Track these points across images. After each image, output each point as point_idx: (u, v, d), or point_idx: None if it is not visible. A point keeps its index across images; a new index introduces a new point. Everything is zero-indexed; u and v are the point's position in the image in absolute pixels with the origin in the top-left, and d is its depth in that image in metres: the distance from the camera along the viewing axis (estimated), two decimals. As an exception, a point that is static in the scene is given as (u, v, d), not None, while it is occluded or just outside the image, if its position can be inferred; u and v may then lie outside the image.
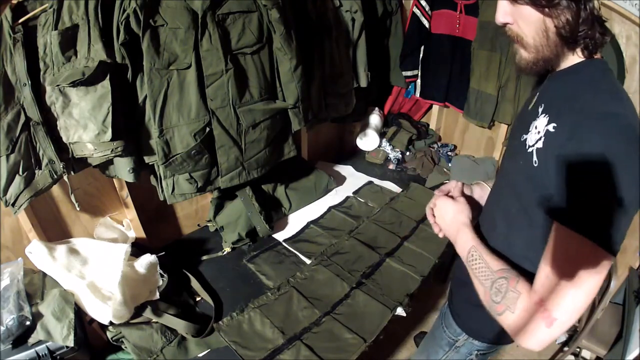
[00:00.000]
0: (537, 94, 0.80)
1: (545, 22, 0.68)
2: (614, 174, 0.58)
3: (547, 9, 0.66)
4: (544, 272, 0.64)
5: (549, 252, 0.64)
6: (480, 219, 1.00)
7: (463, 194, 0.99)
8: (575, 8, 0.66)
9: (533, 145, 0.71)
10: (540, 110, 0.74)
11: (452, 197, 0.96)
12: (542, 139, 0.68)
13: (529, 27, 0.70)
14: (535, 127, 0.72)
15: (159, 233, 1.64)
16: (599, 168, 0.59)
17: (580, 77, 0.71)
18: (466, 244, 0.82)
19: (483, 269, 0.76)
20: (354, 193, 1.98)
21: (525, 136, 0.75)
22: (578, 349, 1.83)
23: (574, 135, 0.62)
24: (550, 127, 0.67)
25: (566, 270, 0.60)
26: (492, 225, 0.88)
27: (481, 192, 1.04)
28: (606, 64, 0.72)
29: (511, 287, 0.69)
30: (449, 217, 0.91)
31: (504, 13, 0.72)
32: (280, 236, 1.68)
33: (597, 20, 0.68)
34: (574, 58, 0.72)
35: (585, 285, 0.59)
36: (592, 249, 0.59)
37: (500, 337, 0.96)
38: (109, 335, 1.19)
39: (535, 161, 0.69)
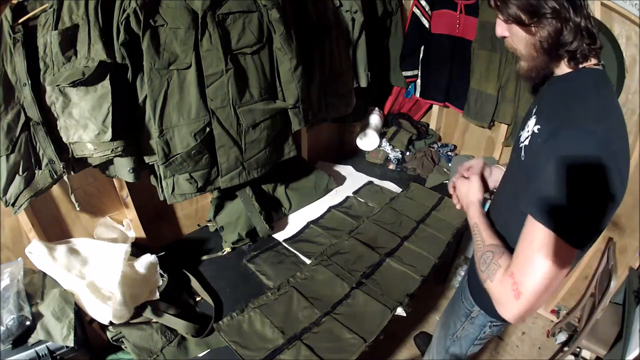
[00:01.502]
0: (538, 94, 0.89)
1: (529, 37, 0.78)
2: (577, 176, 0.65)
3: (529, 27, 0.75)
4: (517, 250, 0.73)
5: (523, 235, 0.73)
6: (491, 204, 1.10)
7: (482, 175, 1.10)
8: (556, 24, 0.72)
9: (523, 142, 0.81)
10: (533, 111, 0.83)
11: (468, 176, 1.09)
12: (529, 137, 0.78)
13: (519, 41, 0.80)
14: (527, 126, 0.81)
15: (159, 233, 1.64)
16: (563, 171, 0.66)
17: (571, 86, 0.77)
18: (472, 219, 0.96)
19: (479, 242, 0.88)
20: (354, 193, 1.98)
21: (521, 133, 0.85)
22: (578, 349, 1.83)
23: (549, 140, 0.71)
24: (536, 129, 0.77)
25: (532, 254, 0.69)
26: (498, 211, 0.98)
27: (498, 176, 1.13)
28: (601, 73, 0.77)
29: (494, 260, 0.79)
30: (463, 193, 1.06)
31: (501, 28, 0.83)
32: (280, 236, 1.68)
33: (586, 32, 0.73)
34: (563, 67, 0.80)
35: (544, 271, 0.67)
36: (554, 239, 0.67)
37: None
38: (109, 335, 1.20)
39: (522, 156, 0.80)
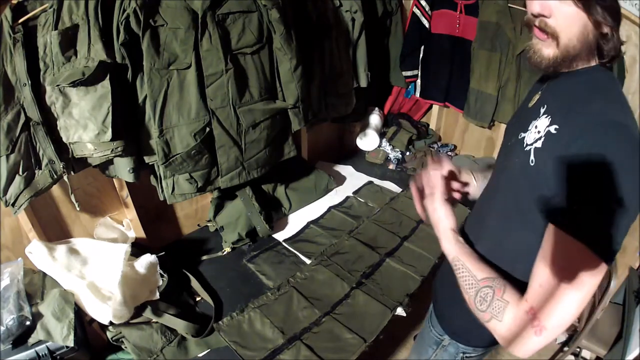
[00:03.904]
0: (540, 92, 0.79)
1: (588, 28, 0.66)
2: (614, 180, 0.57)
3: (596, 21, 0.65)
4: (536, 280, 0.63)
5: (542, 257, 0.63)
6: (468, 218, 0.98)
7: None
8: (616, 27, 0.67)
9: (531, 144, 0.70)
10: (542, 110, 0.73)
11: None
12: (542, 139, 0.68)
13: (570, 27, 0.66)
14: (536, 127, 0.71)
15: (159, 233, 1.64)
16: (600, 173, 0.58)
17: (586, 82, 0.70)
18: (450, 252, 0.81)
19: (467, 277, 0.75)
20: (354, 193, 1.98)
21: (523, 134, 0.74)
22: (578, 349, 1.83)
23: (578, 139, 0.61)
24: (552, 129, 0.66)
25: (559, 277, 0.59)
26: (481, 226, 0.87)
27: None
28: (610, 71, 0.73)
29: (497, 297, 0.69)
30: (433, 216, 0.86)
31: (543, 5, 0.67)
32: (280, 236, 1.68)
33: (620, 40, 0.69)
34: (590, 64, 0.72)
35: (578, 294, 0.58)
36: (586, 255, 0.58)
37: (482, 340, 0.95)
38: (109, 335, 1.19)
39: (532, 160, 0.68)
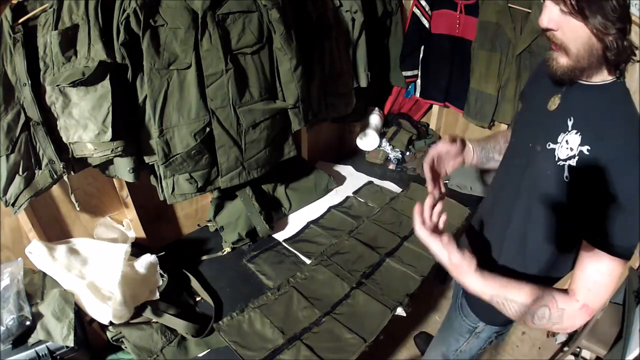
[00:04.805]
0: (560, 96, 0.80)
1: (592, 39, 0.68)
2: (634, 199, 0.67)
3: (598, 32, 0.67)
4: (585, 281, 0.74)
5: (589, 267, 0.73)
6: (487, 212, 1.01)
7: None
8: (622, 36, 0.68)
9: (565, 160, 0.74)
10: (570, 123, 0.75)
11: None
12: (576, 157, 0.72)
13: (575, 39, 0.69)
14: (567, 142, 0.74)
15: (159, 233, 1.64)
16: (631, 196, 0.67)
17: (611, 98, 0.74)
18: (483, 292, 0.82)
19: (517, 308, 0.79)
20: (354, 193, 1.98)
21: (552, 145, 0.77)
22: (578, 349, 1.83)
23: (609, 167, 0.68)
24: (585, 149, 0.71)
25: (604, 282, 0.72)
26: (507, 222, 0.91)
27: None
28: (626, 86, 0.77)
29: (554, 310, 0.76)
30: (443, 260, 0.89)
31: (549, 19, 0.70)
32: (280, 236, 1.68)
33: (632, 45, 0.71)
34: (604, 74, 0.74)
35: (612, 288, 0.73)
36: (614, 260, 0.71)
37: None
38: (109, 335, 1.20)
39: (566, 176, 0.74)
